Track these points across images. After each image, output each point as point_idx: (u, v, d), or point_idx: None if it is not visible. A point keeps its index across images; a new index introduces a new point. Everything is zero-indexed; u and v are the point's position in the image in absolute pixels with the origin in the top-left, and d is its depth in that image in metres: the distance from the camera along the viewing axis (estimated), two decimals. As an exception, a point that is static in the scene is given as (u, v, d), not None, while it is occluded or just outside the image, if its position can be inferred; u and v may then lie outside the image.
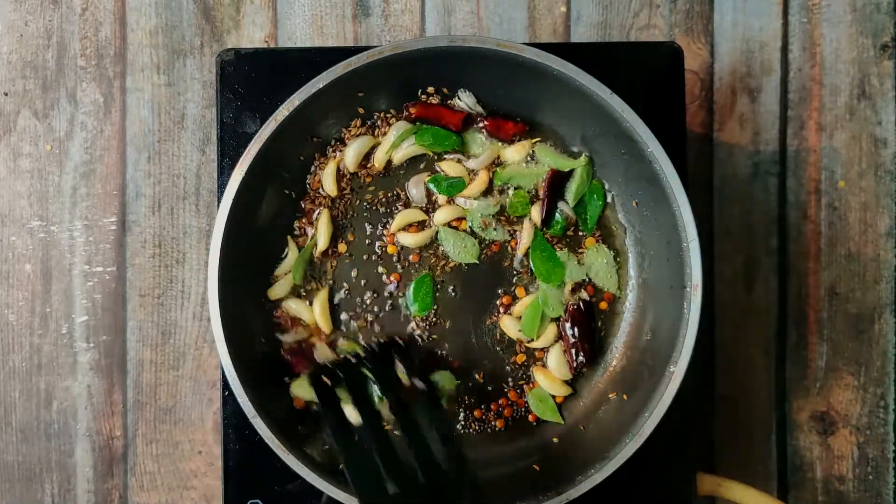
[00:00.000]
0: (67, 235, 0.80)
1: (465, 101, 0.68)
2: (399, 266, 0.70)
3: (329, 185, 0.68)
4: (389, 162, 0.69)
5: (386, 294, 0.70)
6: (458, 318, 0.70)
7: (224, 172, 0.67)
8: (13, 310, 0.80)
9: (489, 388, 0.70)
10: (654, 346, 0.67)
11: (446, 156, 0.70)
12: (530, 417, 0.70)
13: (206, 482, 0.79)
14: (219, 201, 0.63)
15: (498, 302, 0.70)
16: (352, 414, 0.59)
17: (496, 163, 0.70)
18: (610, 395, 0.69)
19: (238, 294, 0.65)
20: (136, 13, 0.80)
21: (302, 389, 0.67)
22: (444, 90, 0.68)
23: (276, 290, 0.69)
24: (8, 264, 0.80)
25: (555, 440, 0.69)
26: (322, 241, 0.68)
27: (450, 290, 0.70)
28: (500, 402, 0.70)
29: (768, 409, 0.79)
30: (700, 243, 0.61)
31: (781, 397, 0.79)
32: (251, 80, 0.67)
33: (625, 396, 0.67)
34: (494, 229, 0.69)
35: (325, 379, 0.61)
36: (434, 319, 0.70)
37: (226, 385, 0.64)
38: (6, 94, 0.80)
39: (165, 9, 0.80)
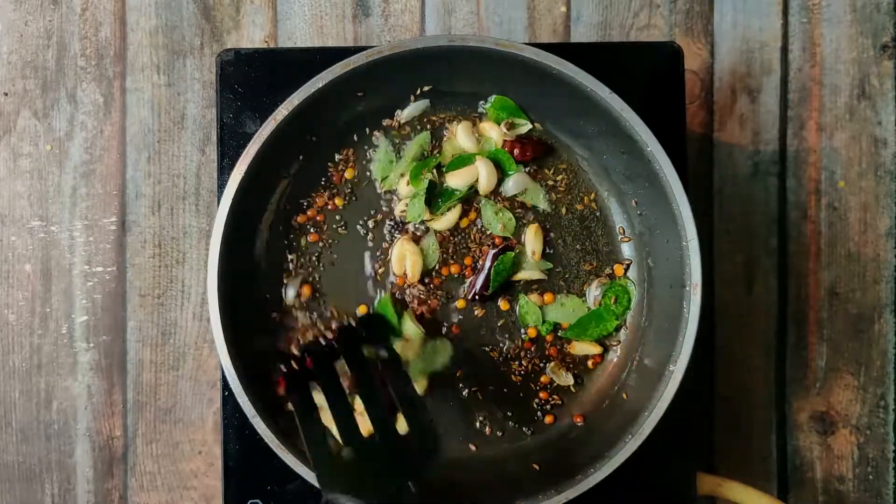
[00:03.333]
0: (67, 235, 0.80)
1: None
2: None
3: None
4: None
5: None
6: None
7: (224, 172, 0.67)
8: (13, 310, 0.80)
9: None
10: (653, 346, 0.67)
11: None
12: (547, 419, 0.70)
13: (206, 482, 0.79)
14: (219, 201, 0.63)
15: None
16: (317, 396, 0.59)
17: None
18: (610, 395, 0.69)
19: (238, 294, 0.65)
20: (136, 13, 0.80)
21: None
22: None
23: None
24: (8, 264, 0.80)
25: (556, 438, 0.69)
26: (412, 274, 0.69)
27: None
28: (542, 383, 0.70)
29: (768, 409, 0.79)
30: (700, 243, 0.61)
31: (781, 397, 0.79)
32: (251, 80, 0.67)
33: (625, 396, 0.67)
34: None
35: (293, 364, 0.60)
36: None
37: (226, 385, 0.64)
38: (6, 94, 0.80)
39: (165, 9, 0.80)
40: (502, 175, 0.70)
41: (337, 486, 0.53)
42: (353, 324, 0.65)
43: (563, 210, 0.70)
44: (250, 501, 0.67)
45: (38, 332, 0.80)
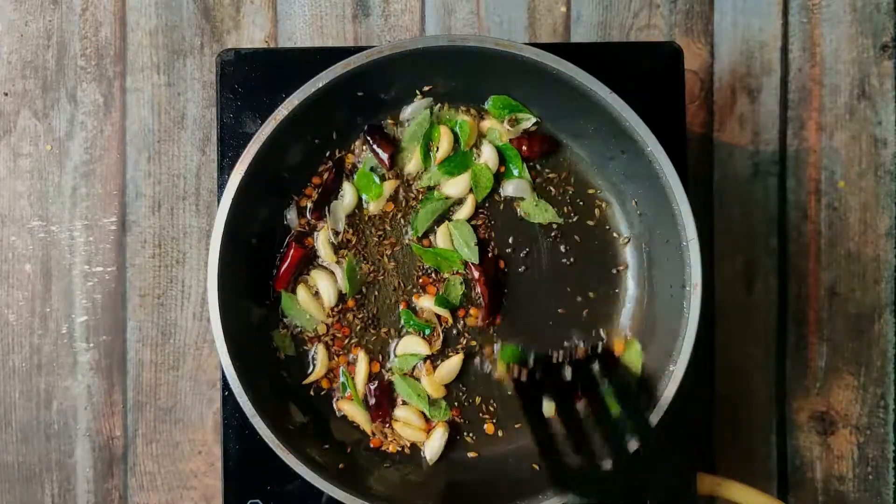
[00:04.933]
0: (67, 235, 0.80)
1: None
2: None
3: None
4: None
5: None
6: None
7: (224, 172, 0.67)
8: (13, 310, 0.80)
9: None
10: (653, 346, 0.67)
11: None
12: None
13: (206, 482, 0.79)
14: (219, 201, 0.63)
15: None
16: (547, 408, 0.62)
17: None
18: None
19: (238, 294, 0.65)
20: (136, 13, 0.80)
21: (349, 407, 0.69)
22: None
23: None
24: (8, 264, 0.80)
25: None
26: None
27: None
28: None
29: (768, 409, 0.79)
30: (700, 243, 0.61)
31: (781, 397, 0.79)
32: (251, 80, 0.67)
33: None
34: None
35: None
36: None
37: (226, 385, 0.64)
38: (6, 94, 0.80)
39: (165, 9, 0.80)
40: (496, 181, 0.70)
41: (573, 486, 0.57)
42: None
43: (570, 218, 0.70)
44: (250, 501, 0.67)
45: (38, 332, 0.80)
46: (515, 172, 0.70)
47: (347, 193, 0.69)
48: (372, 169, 0.69)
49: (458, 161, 0.69)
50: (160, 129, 0.80)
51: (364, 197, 0.69)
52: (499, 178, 0.70)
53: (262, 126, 0.62)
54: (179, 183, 0.79)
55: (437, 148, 0.69)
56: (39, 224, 0.80)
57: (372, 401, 0.69)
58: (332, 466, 0.65)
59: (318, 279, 0.69)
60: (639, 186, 0.67)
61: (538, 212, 0.70)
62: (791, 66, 0.80)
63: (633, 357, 0.68)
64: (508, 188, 0.70)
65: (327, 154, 0.69)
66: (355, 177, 0.69)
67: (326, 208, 0.69)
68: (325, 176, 0.69)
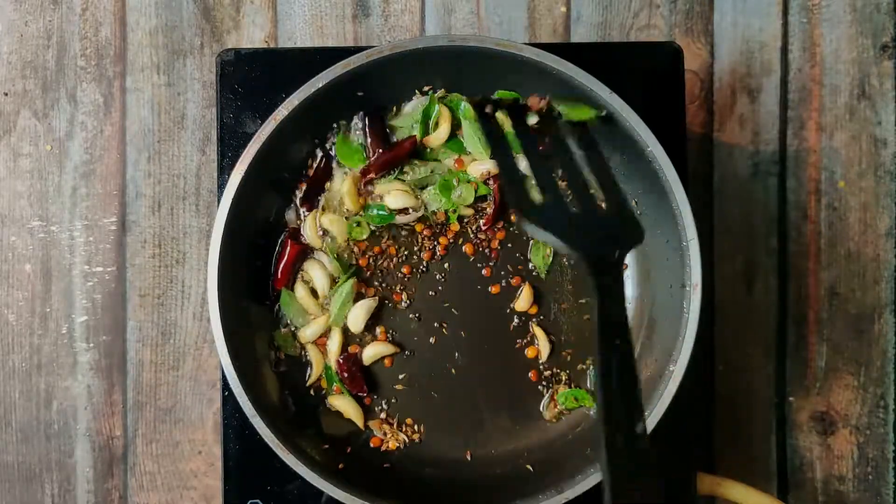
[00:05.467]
0: (67, 235, 0.80)
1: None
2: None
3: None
4: None
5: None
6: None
7: (224, 172, 0.67)
8: (13, 310, 0.80)
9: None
10: (653, 346, 0.67)
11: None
12: (549, 418, 0.70)
13: (206, 482, 0.79)
14: (219, 201, 0.63)
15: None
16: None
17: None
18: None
19: (238, 294, 0.65)
20: (136, 13, 0.80)
21: (339, 401, 0.69)
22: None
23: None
24: (8, 264, 0.80)
25: (556, 438, 0.69)
26: None
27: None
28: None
29: (768, 409, 0.79)
30: (700, 243, 0.61)
31: (781, 397, 0.79)
32: (251, 80, 0.67)
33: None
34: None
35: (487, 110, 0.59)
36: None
37: (226, 385, 0.64)
38: (6, 94, 0.80)
39: (165, 9, 0.80)
40: None
41: (535, 220, 0.52)
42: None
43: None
44: (250, 501, 0.67)
45: (38, 332, 0.80)
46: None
47: (337, 177, 0.69)
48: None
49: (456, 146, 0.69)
50: (160, 129, 0.80)
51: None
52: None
53: (262, 126, 0.62)
54: (179, 183, 0.79)
55: (437, 125, 0.68)
56: (39, 224, 0.80)
57: (344, 375, 0.68)
58: (332, 466, 0.65)
59: (311, 269, 0.69)
60: (639, 186, 0.67)
61: (574, 112, 0.68)
62: (791, 66, 0.80)
63: None
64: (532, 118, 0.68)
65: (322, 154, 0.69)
66: (335, 150, 0.69)
67: (318, 199, 0.69)
68: (316, 165, 0.68)
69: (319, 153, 0.69)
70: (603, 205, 0.55)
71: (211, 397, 0.79)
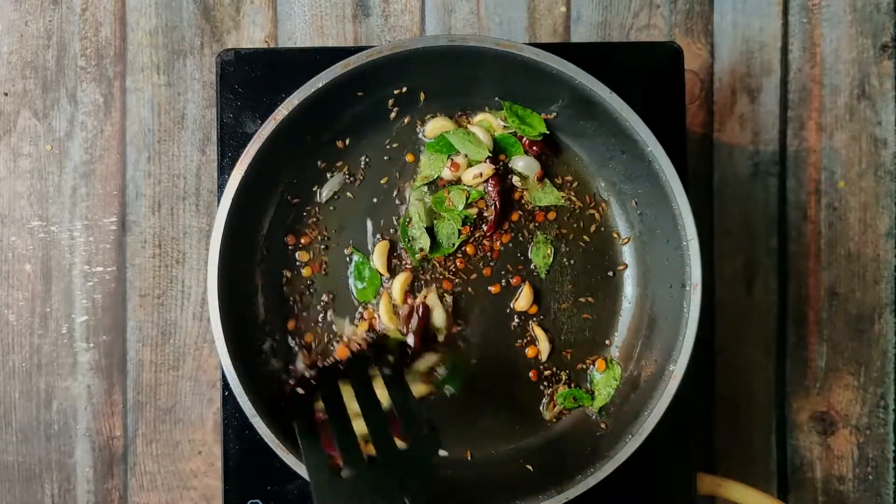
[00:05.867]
0: (67, 235, 0.80)
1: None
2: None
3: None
4: None
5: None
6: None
7: (224, 172, 0.67)
8: (13, 310, 0.80)
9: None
10: (653, 346, 0.67)
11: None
12: (549, 419, 0.70)
13: (206, 482, 0.79)
14: (219, 201, 0.63)
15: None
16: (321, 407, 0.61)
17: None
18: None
19: (238, 294, 0.65)
20: (136, 13, 0.80)
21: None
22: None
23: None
24: (8, 264, 0.80)
25: (557, 438, 0.69)
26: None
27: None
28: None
29: (768, 409, 0.79)
30: (700, 243, 0.61)
31: (781, 397, 0.79)
32: (251, 80, 0.67)
33: (624, 396, 0.67)
34: None
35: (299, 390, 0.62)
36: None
37: (226, 385, 0.64)
38: (6, 94, 0.80)
39: (165, 9, 0.80)
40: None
41: (337, 497, 0.55)
42: (362, 346, 0.66)
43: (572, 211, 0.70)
44: (250, 501, 0.67)
45: (38, 332, 0.80)
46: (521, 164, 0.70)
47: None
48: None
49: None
50: (160, 129, 0.80)
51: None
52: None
53: (262, 126, 0.62)
54: (179, 183, 0.79)
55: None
56: (39, 224, 0.80)
57: (414, 320, 0.68)
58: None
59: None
60: (639, 186, 0.67)
61: (543, 195, 0.69)
62: (791, 66, 0.80)
63: (608, 380, 0.68)
64: (519, 163, 0.69)
65: (322, 157, 0.69)
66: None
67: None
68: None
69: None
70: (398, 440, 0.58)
71: (211, 397, 0.79)
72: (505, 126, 0.69)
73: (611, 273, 0.71)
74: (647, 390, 0.64)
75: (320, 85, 0.61)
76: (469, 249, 0.70)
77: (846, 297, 0.79)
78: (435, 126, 0.69)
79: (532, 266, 0.70)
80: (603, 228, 0.71)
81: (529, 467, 0.68)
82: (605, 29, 0.80)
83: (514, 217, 0.70)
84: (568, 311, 0.71)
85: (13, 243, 0.80)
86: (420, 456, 0.57)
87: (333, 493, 0.56)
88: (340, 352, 0.64)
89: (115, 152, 0.80)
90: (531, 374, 0.70)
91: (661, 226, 0.65)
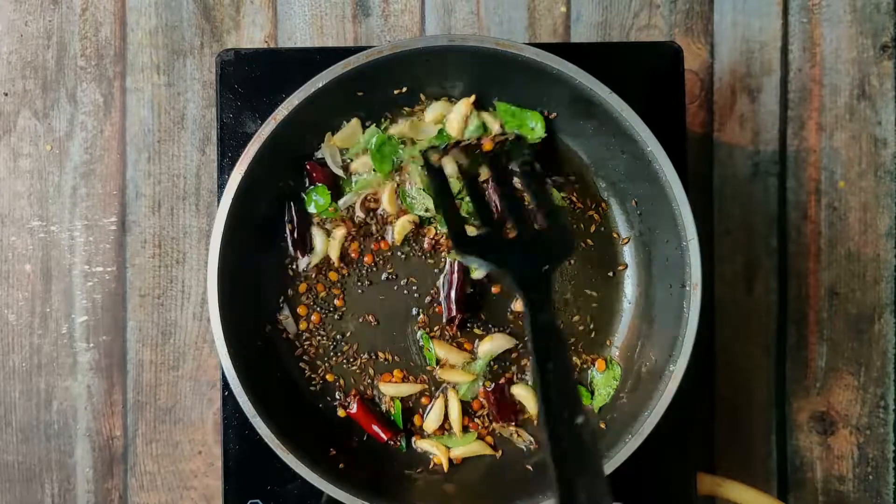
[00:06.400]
0: (67, 235, 0.80)
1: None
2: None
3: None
4: None
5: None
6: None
7: (224, 172, 0.67)
8: (13, 310, 0.80)
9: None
10: (653, 346, 0.67)
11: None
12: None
13: (206, 482, 0.79)
14: (219, 201, 0.63)
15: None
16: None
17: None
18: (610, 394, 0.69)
19: (238, 294, 0.65)
20: (136, 13, 0.80)
21: (389, 388, 0.69)
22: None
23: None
24: (8, 264, 0.80)
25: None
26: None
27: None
28: None
29: (768, 409, 0.79)
30: (700, 243, 0.61)
31: (781, 397, 0.79)
32: (251, 80, 0.67)
33: (624, 397, 0.67)
34: None
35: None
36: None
37: (226, 385, 0.64)
38: (6, 94, 0.80)
39: (165, 9, 0.80)
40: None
41: (472, 252, 0.57)
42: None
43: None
44: (250, 501, 0.67)
45: (38, 332, 0.80)
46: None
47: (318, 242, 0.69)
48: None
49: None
50: (160, 129, 0.80)
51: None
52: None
53: (262, 126, 0.62)
54: (179, 183, 0.79)
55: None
56: (39, 224, 0.80)
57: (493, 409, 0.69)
58: (332, 466, 0.65)
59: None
60: (639, 186, 0.67)
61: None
62: (791, 66, 0.80)
63: (608, 380, 0.68)
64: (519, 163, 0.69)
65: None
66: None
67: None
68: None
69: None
70: (536, 225, 0.58)
71: (211, 397, 0.79)
72: (504, 134, 0.69)
73: (611, 273, 0.71)
74: (646, 390, 0.64)
75: (320, 85, 0.61)
76: None
77: (846, 296, 0.79)
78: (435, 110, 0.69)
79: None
80: (603, 228, 0.71)
81: (529, 467, 0.68)
82: (605, 29, 0.80)
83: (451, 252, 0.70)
84: (568, 311, 0.71)
85: (13, 243, 0.80)
86: (559, 240, 0.58)
87: (469, 239, 0.57)
88: (487, 145, 0.64)
89: (114, 152, 0.80)
90: (531, 374, 0.70)
91: (661, 226, 0.65)
